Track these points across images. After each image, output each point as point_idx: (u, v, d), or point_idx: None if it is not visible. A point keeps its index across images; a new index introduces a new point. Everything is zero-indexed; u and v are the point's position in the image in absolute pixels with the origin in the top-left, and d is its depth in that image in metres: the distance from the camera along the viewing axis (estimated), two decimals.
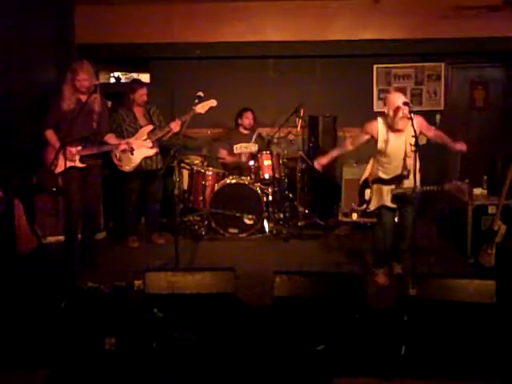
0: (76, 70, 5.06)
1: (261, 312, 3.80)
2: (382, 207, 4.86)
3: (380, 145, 4.80)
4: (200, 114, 5.62)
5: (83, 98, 5.06)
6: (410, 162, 4.61)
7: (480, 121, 7.90)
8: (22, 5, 6.01)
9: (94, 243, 5.79)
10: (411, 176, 4.55)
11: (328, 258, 5.66)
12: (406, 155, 4.69)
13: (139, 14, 7.38)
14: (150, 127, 5.95)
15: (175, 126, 5.74)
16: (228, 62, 7.71)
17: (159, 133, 5.90)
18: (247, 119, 6.95)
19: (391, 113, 4.66)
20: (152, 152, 5.97)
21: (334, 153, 5.22)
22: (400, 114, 4.59)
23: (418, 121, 4.68)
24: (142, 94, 6.00)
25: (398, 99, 4.65)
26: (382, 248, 4.95)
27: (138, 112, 6.06)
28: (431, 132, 4.85)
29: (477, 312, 3.29)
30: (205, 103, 5.61)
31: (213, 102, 5.68)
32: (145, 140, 5.88)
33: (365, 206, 5.03)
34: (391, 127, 4.72)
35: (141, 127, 5.97)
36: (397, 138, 4.73)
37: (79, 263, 5.22)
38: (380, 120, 4.84)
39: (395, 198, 4.78)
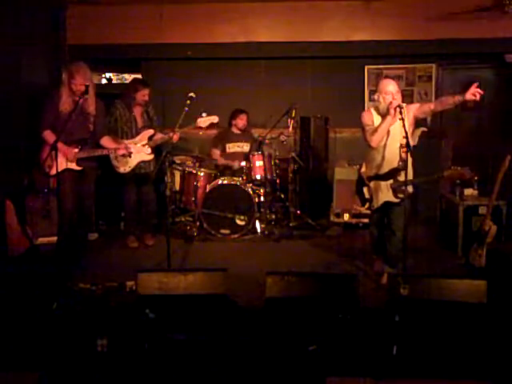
0: (72, 73, 5.01)
1: (253, 312, 3.80)
2: (386, 203, 4.77)
3: None
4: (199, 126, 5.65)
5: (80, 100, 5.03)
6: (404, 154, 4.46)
7: (471, 121, 7.93)
8: (13, 6, 5.99)
9: (87, 244, 5.78)
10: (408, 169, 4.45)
11: (320, 259, 5.67)
12: (401, 146, 4.57)
13: (131, 15, 7.37)
14: (151, 132, 5.92)
15: (175, 138, 5.62)
16: (219, 62, 7.72)
17: (159, 140, 5.89)
18: (241, 121, 6.98)
19: (381, 99, 4.69)
20: (149, 157, 5.96)
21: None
22: (388, 99, 4.61)
23: (414, 108, 4.75)
24: (144, 95, 5.97)
25: (386, 86, 4.68)
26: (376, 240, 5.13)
27: (137, 112, 6.04)
28: (432, 105, 4.70)
29: (467, 312, 3.30)
30: (207, 118, 5.60)
31: (215, 118, 5.68)
32: (144, 145, 5.86)
33: (368, 204, 4.93)
34: (381, 114, 4.72)
35: (137, 128, 5.97)
36: (391, 129, 4.67)
37: (71, 264, 5.20)
38: (373, 111, 4.87)
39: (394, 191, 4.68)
